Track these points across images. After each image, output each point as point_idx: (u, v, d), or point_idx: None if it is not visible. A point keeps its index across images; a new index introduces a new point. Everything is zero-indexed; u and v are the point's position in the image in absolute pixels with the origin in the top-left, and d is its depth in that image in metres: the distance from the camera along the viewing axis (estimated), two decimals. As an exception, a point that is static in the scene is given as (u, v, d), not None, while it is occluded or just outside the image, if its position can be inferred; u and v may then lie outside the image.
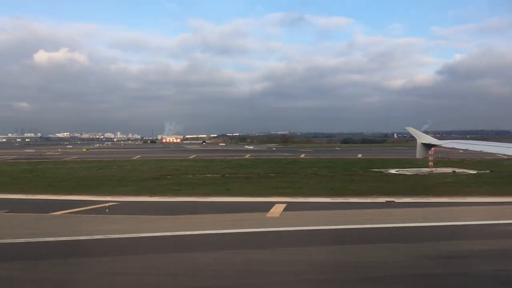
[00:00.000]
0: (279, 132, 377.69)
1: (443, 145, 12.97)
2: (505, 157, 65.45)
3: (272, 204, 24.74)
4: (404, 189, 32.46)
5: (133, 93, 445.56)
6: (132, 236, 16.15)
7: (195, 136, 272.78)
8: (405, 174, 46.95)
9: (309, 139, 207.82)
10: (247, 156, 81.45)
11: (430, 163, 51.99)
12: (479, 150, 11.73)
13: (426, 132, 14.10)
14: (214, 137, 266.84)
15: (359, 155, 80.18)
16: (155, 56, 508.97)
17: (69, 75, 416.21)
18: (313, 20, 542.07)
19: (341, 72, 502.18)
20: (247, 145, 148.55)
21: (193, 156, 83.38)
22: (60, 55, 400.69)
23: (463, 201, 26.44)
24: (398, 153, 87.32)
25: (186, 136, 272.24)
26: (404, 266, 11.64)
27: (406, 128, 14.41)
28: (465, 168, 51.89)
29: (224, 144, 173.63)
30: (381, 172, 49.55)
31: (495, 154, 11.49)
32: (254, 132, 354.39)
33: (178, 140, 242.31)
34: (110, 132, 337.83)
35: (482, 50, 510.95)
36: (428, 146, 13.09)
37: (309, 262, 12.21)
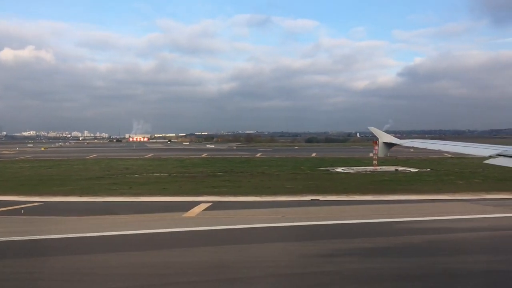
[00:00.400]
0: (247, 132, 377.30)
1: (403, 144, 13.23)
2: (450, 155, 67.97)
3: (198, 203, 24.65)
4: (338, 187, 33.00)
5: (101, 92, 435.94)
6: (31, 238, 15.59)
7: (163, 135, 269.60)
8: (349, 173, 47.81)
9: (273, 138, 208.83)
10: (204, 155, 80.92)
11: (374, 162, 53.27)
12: (437, 149, 12.01)
13: (387, 132, 14.21)
14: (182, 136, 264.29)
15: (313, 154, 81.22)
16: (123, 55, 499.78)
17: (36, 74, 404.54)
18: (279, 22, 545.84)
19: (308, 73, 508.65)
20: (210, 144, 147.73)
21: (150, 155, 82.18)
22: (26, 53, 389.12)
23: (387, 199, 27.09)
24: (354, 152, 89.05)
25: (155, 135, 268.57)
26: (275, 266, 11.64)
27: (368, 128, 14.63)
28: (408, 167, 53.30)
29: (188, 143, 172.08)
30: (327, 170, 50.28)
31: (451, 152, 11.41)
32: (222, 132, 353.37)
33: (145, 139, 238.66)
34: (78, 131, 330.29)
35: (440, 53, 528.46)
36: (389, 145, 13.19)
37: (187, 264, 12.09)
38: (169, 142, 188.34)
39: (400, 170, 50.01)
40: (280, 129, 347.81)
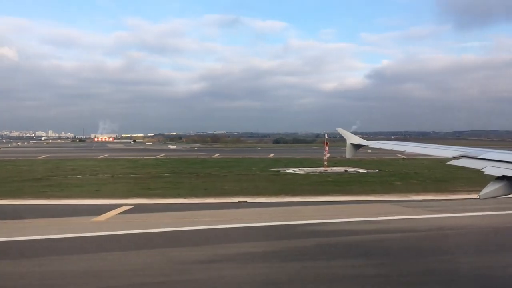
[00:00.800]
0: (217, 132, 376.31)
1: (370, 145, 13.25)
2: (404, 156, 69.19)
3: (119, 206, 23.84)
4: (275, 189, 32.70)
5: (67, 90, 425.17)
6: None
7: (130, 135, 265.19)
8: (297, 174, 47.71)
9: (239, 139, 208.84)
10: (161, 155, 79.42)
11: (325, 163, 53.46)
12: (402, 149, 12.33)
13: (355, 133, 14.52)
14: (150, 136, 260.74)
15: (271, 155, 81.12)
16: (90, 54, 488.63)
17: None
18: (249, 23, 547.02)
19: (277, 74, 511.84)
20: (172, 144, 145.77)
21: (105, 155, 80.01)
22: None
23: (315, 200, 26.88)
24: (317, 153, 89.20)
25: (122, 135, 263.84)
26: (143, 275, 11.14)
27: (336, 129, 14.80)
28: (359, 168, 53.73)
29: (151, 143, 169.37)
30: (278, 171, 50.02)
31: (416, 153, 12.05)
32: (192, 132, 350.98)
33: (111, 139, 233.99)
34: (42, 131, 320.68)
35: (406, 56, 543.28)
36: (357, 146, 13.37)
37: (51, 273, 11.43)
38: (132, 142, 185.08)
39: (349, 171, 50.36)
40: (250, 129, 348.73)
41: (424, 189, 31.97)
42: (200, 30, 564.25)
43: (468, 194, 29.70)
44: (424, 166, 56.91)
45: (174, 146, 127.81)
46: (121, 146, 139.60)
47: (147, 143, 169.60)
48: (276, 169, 52.39)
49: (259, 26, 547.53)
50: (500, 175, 7.49)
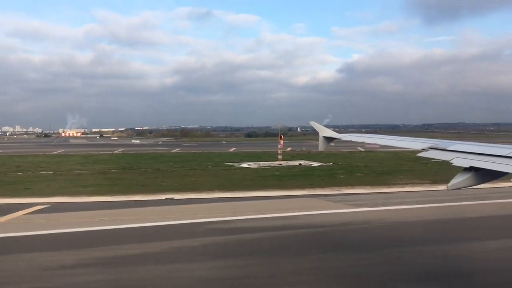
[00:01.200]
0: (190, 126, 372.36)
1: (342, 138, 13.34)
2: (363, 149, 69.53)
3: (32, 205, 22.68)
4: (214, 185, 31.96)
5: (35, 84, 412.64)
6: None
7: (100, 130, 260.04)
8: (249, 168, 47.11)
9: (209, 132, 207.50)
10: (118, 151, 77.59)
11: (279, 157, 53.06)
12: (373, 142, 12.38)
13: (327, 126, 14.68)
14: (121, 131, 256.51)
15: (233, 149, 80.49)
16: (59, 47, 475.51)
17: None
18: (221, 16, 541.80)
19: (250, 68, 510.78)
20: (136, 139, 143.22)
21: (60, 151, 77.65)
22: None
23: (246, 195, 26.31)
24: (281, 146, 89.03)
25: (93, 130, 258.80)
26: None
27: (309, 122, 15.00)
28: (314, 161, 53.61)
29: (117, 138, 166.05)
30: (231, 166, 49.34)
31: (386, 145, 12.02)
32: (165, 126, 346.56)
33: (79, 134, 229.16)
34: (9, 126, 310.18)
35: (376, 50, 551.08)
36: (329, 139, 13.52)
37: None
38: (98, 137, 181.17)
39: (303, 165, 50.16)
40: (225, 123, 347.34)
41: (363, 183, 31.83)
42: (172, 23, 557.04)
43: (402, 187, 29.83)
44: (378, 159, 57.30)
45: (138, 141, 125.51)
46: (84, 141, 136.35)
47: (112, 138, 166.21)
48: (230, 164, 51.65)
49: (231, 20, 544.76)
50: (467, 166, 7.60)
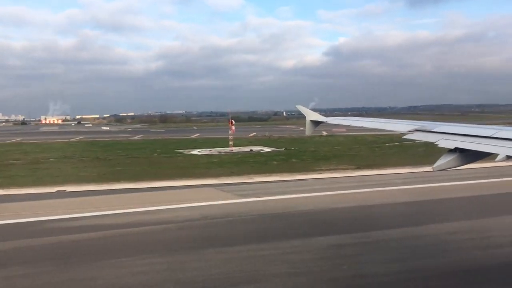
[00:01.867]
0: (175, 112, 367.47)
1: (329, 122, 13.31)
2: (326, 133, 68.38)
3: None
4: (144, 173, 30.59)
5: (17, 71, 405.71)
6: None
7: (81, 116, 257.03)
8: (194, 155, 45.64)
9: (189, 118, 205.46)
10: (76, 139, 75.72)
11: (230, 142, 51.69)
12: (360, 125, 12.34)
13: (313, 110, 14.62)
14: (106, 117, 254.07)
15: (196, 135, 79.06)
16: (41, 33, 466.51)
17: None
18: (205, 0, 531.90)
19: (236, 52, 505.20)
20: (107, 126, 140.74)
21: (17, 139, 75.69)
22: None
23: (151, 186, 24.95)
24: (254, 131, 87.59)
25: (77, 117, 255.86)
26: None
27: (296, 106, 14.81)
28: (269, 147, 52.28)
29: (91, 125, 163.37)
30: (179, 153, 47.88)
31: (372, 128, 12.02)
32: (150, 112, 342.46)
33: (59, 121, 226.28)
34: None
35: (362, 33, 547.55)
36: (316, 123, 13.44)
37: None
38: (73, 125, 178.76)
39: (254, 151, 48.92)
40: (210, 108, 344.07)
41: (287, 169, 30.52)
42: (156, 7, 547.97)
43: (320, 173, 28.74)
44: (333, 143, 56.35)
45: (108, 128, 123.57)
46: (55, 128, 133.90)
47: (86, 125, 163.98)
48: (181, 151, 50.14)
49: (215, 3, 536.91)
50: (452, 147, 7.69)
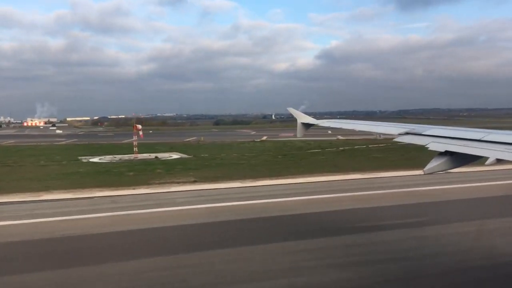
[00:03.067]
0: (166, 114, 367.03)
1: (320, 124, 13.57)
2: (264, 139, 64.39)
3: None
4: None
5: (6, 73, 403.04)
6: None
7: (65, 119, 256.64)
8: (89, 163, 41.21)
9: (165, 122, 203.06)
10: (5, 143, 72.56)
11: (135, 149, 47.74)
12: (351, 128, 12.50)
13: (304, 113, 14.70)
14: (97, 120, 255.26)
15: (131, 140, 74.82)
16: (30, 34, 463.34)
17: None
18: (194, 2, 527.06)
19: (228, 55, 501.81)
20: (60, 129, 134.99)
21: None
22: None
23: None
24: (237, 136, 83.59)
25: (67, 119, 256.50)
26: None
27: (287, 109, 15.28)
28: (184, 153, 48.16)
29: (61, 131, 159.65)
30: (77, 160, 43.53)
31: (363, 131, 11.86)
32: (141, 114, 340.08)
33: (41, 123, 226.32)
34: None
35: (354, 37, 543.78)
36: (307, 125, 13.64)
37: None
38: (42, 127, 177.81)
39: (161, 158, 44.93)
40: (202, 111, 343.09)
41: (131, 183, 26.65)
42: (146, 8, 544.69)
43: (146, 188, 24.87)
44: (255, 148, 52.78)
45: (61, 131, 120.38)
46: (11, 132, 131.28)
47: (51, 128, 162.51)
48: (84, 157, 45.87)
49: (206, 5, 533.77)
50: (443, 150, 7.84)
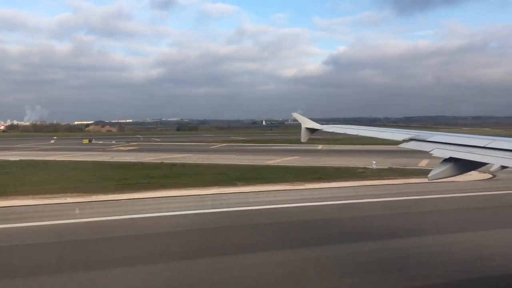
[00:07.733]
0: (170, 119, 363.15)
1: (324, 129, 13.69)
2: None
3: None
4: None
5: (14, 76, 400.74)
6: None
7: (57, 123, 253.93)
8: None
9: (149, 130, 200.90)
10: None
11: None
12: (355, 133, 12.61)
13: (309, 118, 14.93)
14: (107, 124, 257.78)
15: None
16: (35, 37, 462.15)
17: None
18: (197, 6, 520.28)
19: (235, 60, 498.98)
20: (53, 139, 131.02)
21: None
22: None
23: None
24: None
25: (75, 123, 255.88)
26: None
27: (292, 114, 15.37)
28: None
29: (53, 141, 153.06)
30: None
31: (368, 136, 11.65)
32: (148, 119, 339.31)
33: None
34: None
35: (360, 42, 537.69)
36: (311, 130, 13.85)
37: None
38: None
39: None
40: (209, 116, 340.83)
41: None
42: (148, 12, 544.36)
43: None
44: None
45: (53, 141, 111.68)
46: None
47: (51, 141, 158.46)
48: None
49: (208, 9, 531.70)
50: (447, 156, 7.89)
